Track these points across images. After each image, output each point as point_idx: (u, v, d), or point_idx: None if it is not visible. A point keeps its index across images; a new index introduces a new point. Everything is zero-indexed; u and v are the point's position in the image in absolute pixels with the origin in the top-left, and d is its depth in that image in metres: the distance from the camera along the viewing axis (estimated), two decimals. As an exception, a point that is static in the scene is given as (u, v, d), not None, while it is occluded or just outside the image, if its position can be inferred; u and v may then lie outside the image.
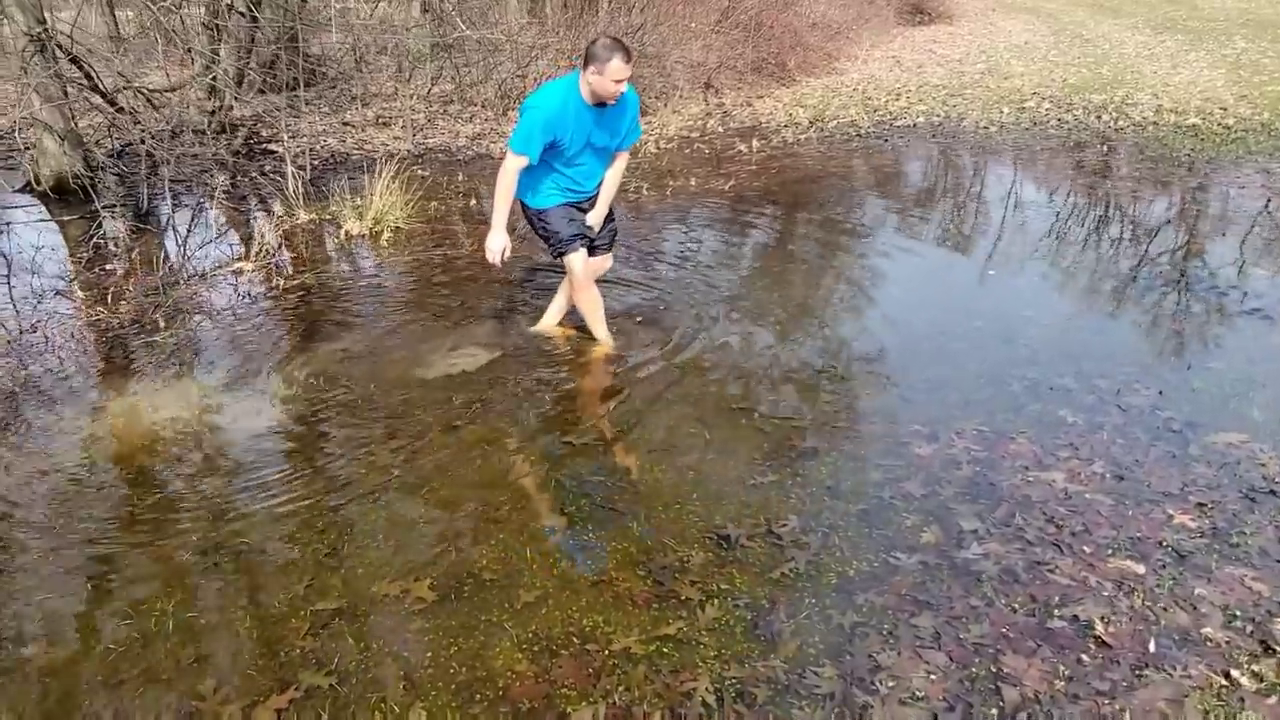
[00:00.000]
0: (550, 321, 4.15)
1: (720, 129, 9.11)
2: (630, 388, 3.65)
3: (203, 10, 8.25)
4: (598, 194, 3.80)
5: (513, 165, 3.55)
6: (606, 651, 2.25)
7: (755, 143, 8.27)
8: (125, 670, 2.25)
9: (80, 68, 7.16)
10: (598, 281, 3.96)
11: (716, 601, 2.41)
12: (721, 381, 3.68)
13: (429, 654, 2.27)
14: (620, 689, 2.14)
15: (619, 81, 3.34)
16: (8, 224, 6.34)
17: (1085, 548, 2.56)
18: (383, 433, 3.37)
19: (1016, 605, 2.35)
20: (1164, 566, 2.47)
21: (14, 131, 7.96)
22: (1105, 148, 7.69)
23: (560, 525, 2.77)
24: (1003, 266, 4.89)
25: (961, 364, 3.71)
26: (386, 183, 5.88)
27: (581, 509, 2.85)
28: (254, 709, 2.12)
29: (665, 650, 2.25)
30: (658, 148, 8.30)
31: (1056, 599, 2.36)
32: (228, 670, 2.24)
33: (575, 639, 2.30)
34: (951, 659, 2.18)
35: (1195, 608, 2.32)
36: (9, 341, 4.25)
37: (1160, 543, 2.57)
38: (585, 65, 3.37)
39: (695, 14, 10.30)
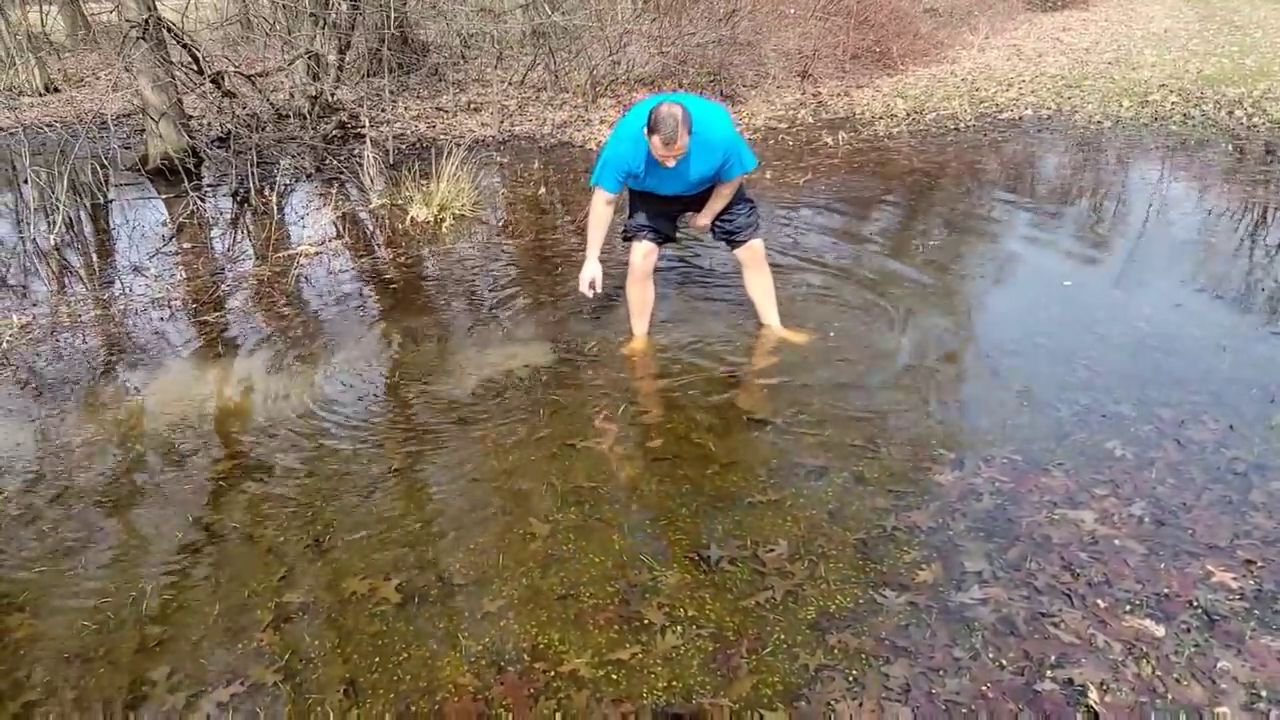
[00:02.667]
0: (774, 322, 3.93)
1: (811, 120, 8.80)
2: (651, 392, 3.55)
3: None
4: (687, 194, 3.66)
5: (597, 198, 3.59)
6: (553, 672, 2.17)
7: (843, 135, 7.94)
8: (93, 648, 2.31)
9: (189, 53, 7.53)
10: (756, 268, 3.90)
11: (680, 628, 2.29)
12: (742, 389, 3.52)
13: (378, 659, 2.24)
14: (557, 714, 2.05)
15: (663, 156, 3.23)
16: (111, 200, 6.73)
17: (1100, 601, 2.30)
18: (394, 425, 3.37)
19: (1005, 661, 2.13)
20: (1188, 630, 2.19)
21: (129, 115, 8.47)
22: (1231, 147, 7.01)
23: (543, 533, 2.69)
24: (1080, 278, 4.50)
25: (1008, 383, 3.42)
26: (453, 170, 5.92)
27: (569, 517, 2.77)
28: (198, 699, 2.14)
29: (614, 676, 2.15)
30: (741, 138, 8.08)
31: (1053, 658, 2.13)
32: (185, 657, 2.27)
33: (526, 655, 2.23)
34: (916, 715, 1.99)
35: (1214, 682, 2.04)
36: (77, 316, 4.49)
37: (1190, 602, 2.29)
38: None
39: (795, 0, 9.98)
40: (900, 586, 2.40)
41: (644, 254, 3.77)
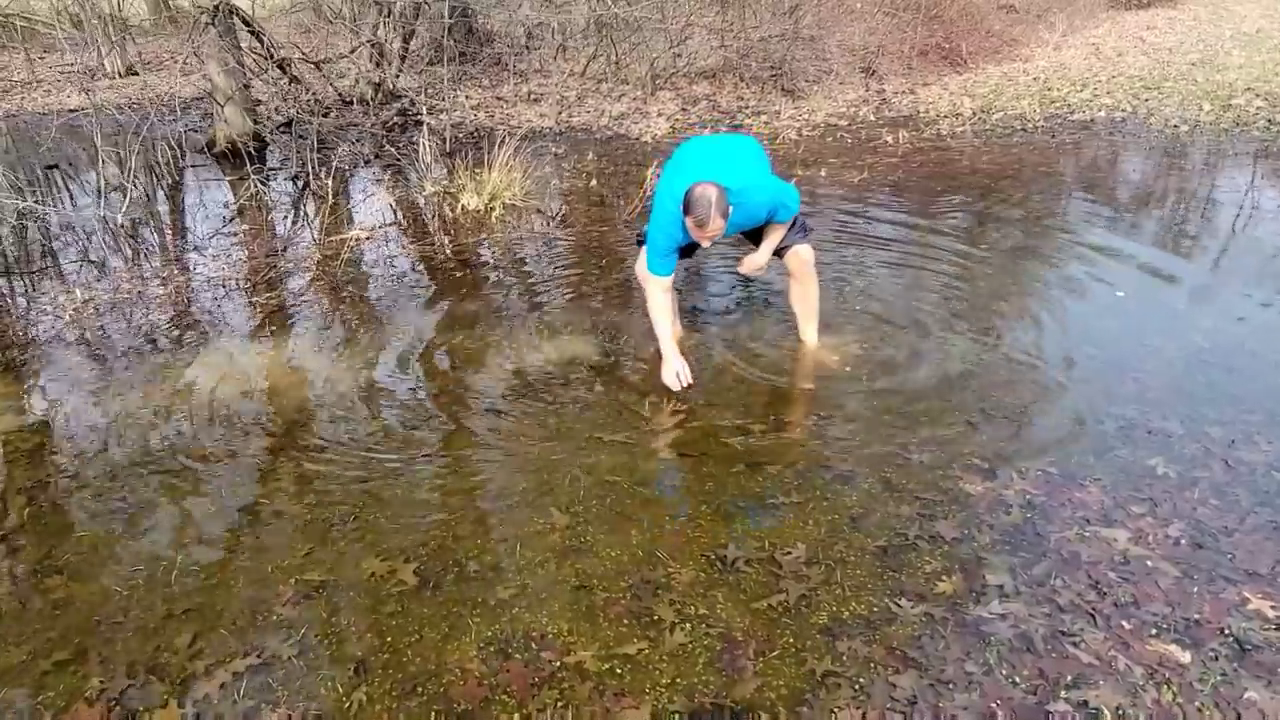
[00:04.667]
0: (812, 339, 3.77)
1: (872, 117, 8.65)
2: (682, 389, 3.52)
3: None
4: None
5: (653, 287, 3.44)
6: (559, 662, 2.18)
7: (904, 134, 7.79)
8: (123, 612, 2.40)
9: (257, 39, 7.73)
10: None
11: (689, 626, 2.28)
12: (774, 389, 3.48)
13: (389, 639, 2.28)
14: (558, 703, 2.06)
15: (698, 238, 3.15)
16: (179, 181, 6.96)
17: (1125, 623, 2.22)
18: (428, 410, 3.42)
19: (1019, 679, 2.08)
20: (1216, 658, 2.11)
21: (201, 98, 8.73)
22: (1317, 155, 6.68)
23: (563, 524, 2.71)
24: (1140, 288, 4.33)
25: (1052, 394, 3.33)
26: (506, 159, 5.97)
27: (589, 509, 2.78)
28: (216, 668, 2.20)
29: (619, 670, 2.15)
30: (799, 135, 7.99)
31: (1069, 678, 2.07)
32: (208, 626, 2.34)
33: (534, 644, 2.24)
34: (921, 729, 1.95)
35: (1239, 713, 1.96)
36: (137, 293, 4.66)
37: (1222, 630, 2.19)
38: None
39: (863, -6, 9.81)
40: (917, 596, 2.35)
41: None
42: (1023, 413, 3.22)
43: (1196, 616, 2.24)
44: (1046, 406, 3.25)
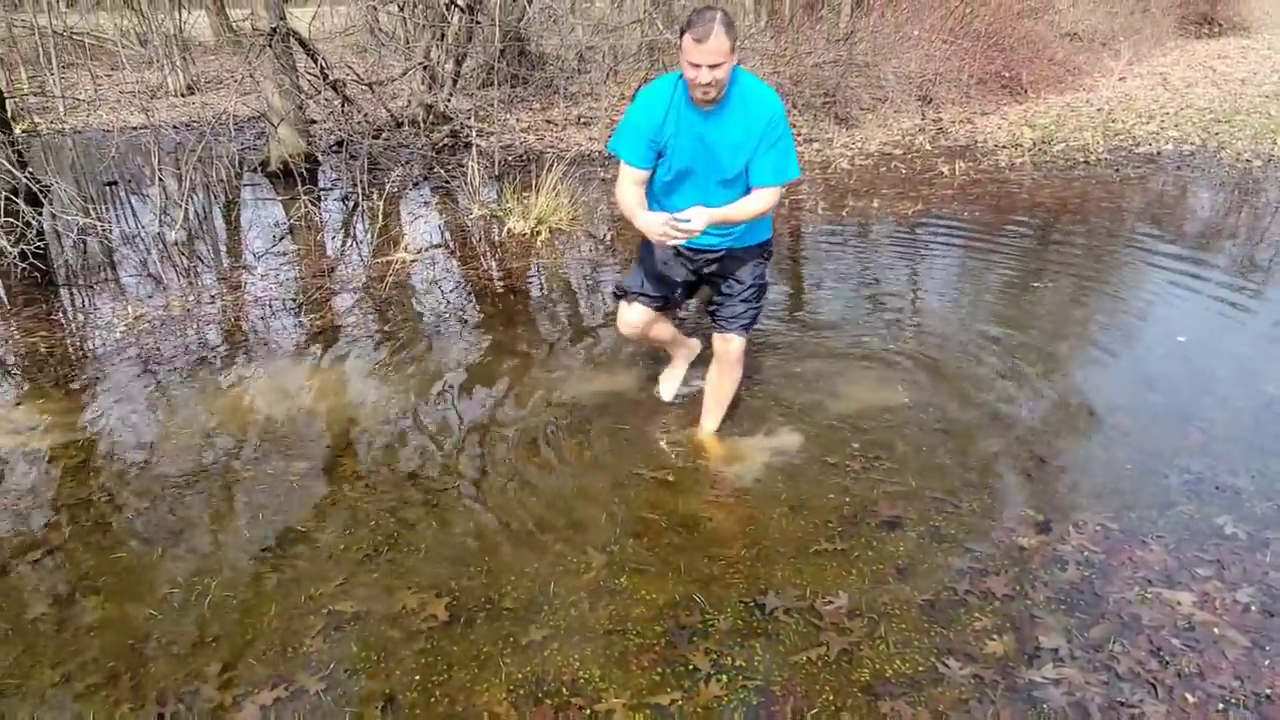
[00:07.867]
0: (710, 427, 3.33)
1: (929, 147, 8.51)
2: (725, 425, 3.44)
3: (424, 9, 8.81)
4: (710, 250, 3.02)
5: (621, 178, 2.90)
6: (589, 710, 2.11)
7: (960, 164, 7.64)
8: (154, 637, 2.39)
9: (314, 60, 7.88)
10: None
11: (725, 677, 2.20)
12: (821, 428, 3.38)
13: (419, 677, 2.24)
14: (587, 756, 1.99)
15: (696, 66, 2.57)
16: (233, 200, 7.10)
17: (1189, 695, 2.09)
18: (465, 438, 3.39)
19: (1074, 753, 1.96)
20: (1290, 741, 1.97)
21: (258, 118, 8.93)
22: (1397, 194, 6.40)
23: (599, 563, 2.64)
24: (1207, 333, 4.16)
25: (1112, 442, 3.19)
26: (554, 183, 5.98)
27: (625, 549, 2.71)
28: (245, 699, 2.18)
29: (650, 722, 2.08)
30: (851, 164, 7.89)
31: (1128, 756, 1.94)
32: (237, 656, 2.32)
33: (564, 689, 2.18)
34: (967, 804, 1.85)
35: (1316, 805, 1.82)
36: (187, 310, 4.73)
37: (1296, 708, 2.05)
38: None
39: (920, 20, 9.69)
40: (966, 656, 2.24)
41: (635, 317, 3.20)
42: (1080, 462, 3.08)
43: (1267, 691, 2.10)
44: (1106, 456, 3.11)
